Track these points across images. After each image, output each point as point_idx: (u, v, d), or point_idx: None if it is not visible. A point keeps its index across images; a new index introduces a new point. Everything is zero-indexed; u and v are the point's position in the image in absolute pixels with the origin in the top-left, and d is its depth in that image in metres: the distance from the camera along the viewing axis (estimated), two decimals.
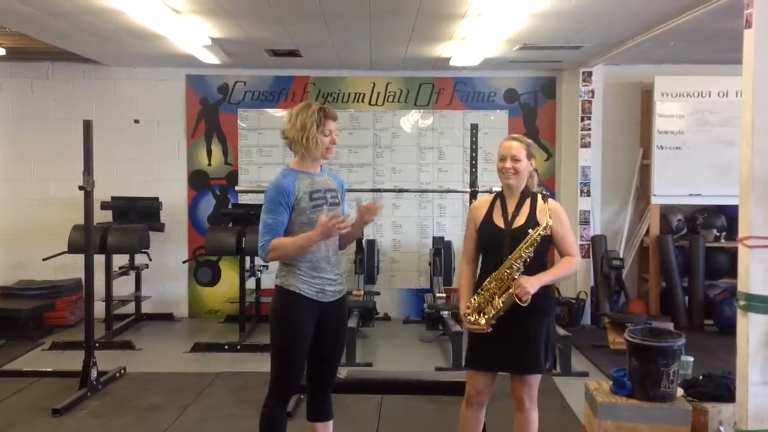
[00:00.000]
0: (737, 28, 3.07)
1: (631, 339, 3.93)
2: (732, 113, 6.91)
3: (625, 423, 3.77)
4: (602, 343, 6.51)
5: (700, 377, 4.08)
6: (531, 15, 5.25)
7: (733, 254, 6.23)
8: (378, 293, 7.41)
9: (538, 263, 3.29)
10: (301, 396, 4.37)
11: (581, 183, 7.61)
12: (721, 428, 3.78)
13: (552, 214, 3.27)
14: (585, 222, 7.64)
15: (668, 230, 7.54)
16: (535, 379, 3.36)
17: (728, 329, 5.99)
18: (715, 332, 7.06)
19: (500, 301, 3.22)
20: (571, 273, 3.41)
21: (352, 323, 6.17)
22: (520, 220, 3.33)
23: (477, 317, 3.29)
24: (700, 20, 5.24)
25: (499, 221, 3.38)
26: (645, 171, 7.65)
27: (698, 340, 6.36)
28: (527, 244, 3.23)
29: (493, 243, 3.35)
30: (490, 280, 3.29)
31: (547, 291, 3.34)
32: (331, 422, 3.49)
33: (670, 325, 6.10)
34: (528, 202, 3.38)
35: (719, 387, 3.90)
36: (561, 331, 6.02)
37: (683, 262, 7.42)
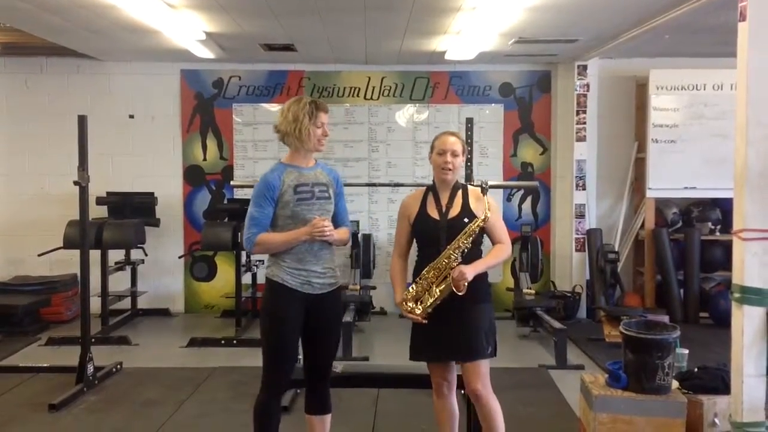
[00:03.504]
0: (731, 22, 3.07)
1: (626, 332, 3.93)
2: (726, 106, 6.93)
3: (620, 415, 3.78)
4: (598, 336, 6.52)
5: (696, 369, 4.08)
6: (526, 8, 5.25)
7: (728, 247, 6.25)
8: (374, 287, 7.42)
9: (474, 252, 3.39)
10: (298, 390, 4.38)
11: (576, 177, 7.63)
12: (716, 420, 3.78)
13: (490, 207, 3.38)
14: (580, 215, 7.66)
15: (663, 223, 7.56)
16: (484, 366, 3.38)
17: (723, 322, 6.04)
18: (710, 325, 7.11)
19: (438, 290, 3.31)
20: (504, 259, 3.50)
21: (348, 317, 6.19)
22: (455, 211, 3.42)
23: (414, 305, 3.36)
24: (694, 13, 5.24)
25: (433, 213, 3.45)
26: (640, 164, 7.66)
27: (693, 333, 6.38)
28: (466, 235, 3.33)
29: (429, 234, 3.42)
30: (428, 269, 3.35)
31: (482, 278, 3.40)
32: (329, 416, 3.50)
33: (666, 318, 6.13)
34: (459, 193, 3.47)
35: (714, 379, 3.91)
36: (556, 324, 6.06)
37: (678, 256, 7.44)
